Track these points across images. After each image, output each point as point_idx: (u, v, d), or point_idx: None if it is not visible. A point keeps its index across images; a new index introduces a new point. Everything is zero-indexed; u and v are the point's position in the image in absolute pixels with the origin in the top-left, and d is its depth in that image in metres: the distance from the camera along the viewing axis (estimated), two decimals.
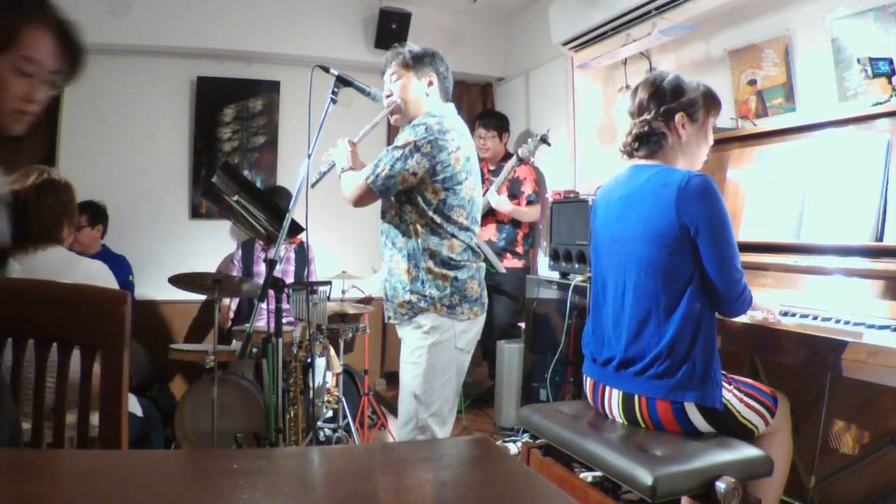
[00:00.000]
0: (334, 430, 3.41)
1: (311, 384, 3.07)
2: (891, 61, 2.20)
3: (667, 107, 1.86)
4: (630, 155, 1.95)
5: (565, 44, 3.84)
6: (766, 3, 2.99)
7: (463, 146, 2.17)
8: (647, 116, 1.88)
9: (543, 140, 3.84)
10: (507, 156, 4.22)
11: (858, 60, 2.30)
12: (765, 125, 2.69)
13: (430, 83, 2.25)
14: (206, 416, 3.04)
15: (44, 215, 1.96)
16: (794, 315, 2.07)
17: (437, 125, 2.11)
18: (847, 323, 1.92)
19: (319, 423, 3.27)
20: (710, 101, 1.92)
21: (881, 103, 2.22)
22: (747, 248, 2.29)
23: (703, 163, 1.97)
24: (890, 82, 2.21)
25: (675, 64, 3.64)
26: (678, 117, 1.86)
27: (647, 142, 1.89)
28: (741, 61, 3.13)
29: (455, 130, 2.16)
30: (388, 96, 2.27)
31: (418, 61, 2.24)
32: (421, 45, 2.29)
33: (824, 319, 1.98)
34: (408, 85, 2.24)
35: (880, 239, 2.02)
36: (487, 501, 0.52)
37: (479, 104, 5.01)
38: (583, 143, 4.21)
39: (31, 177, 1.97)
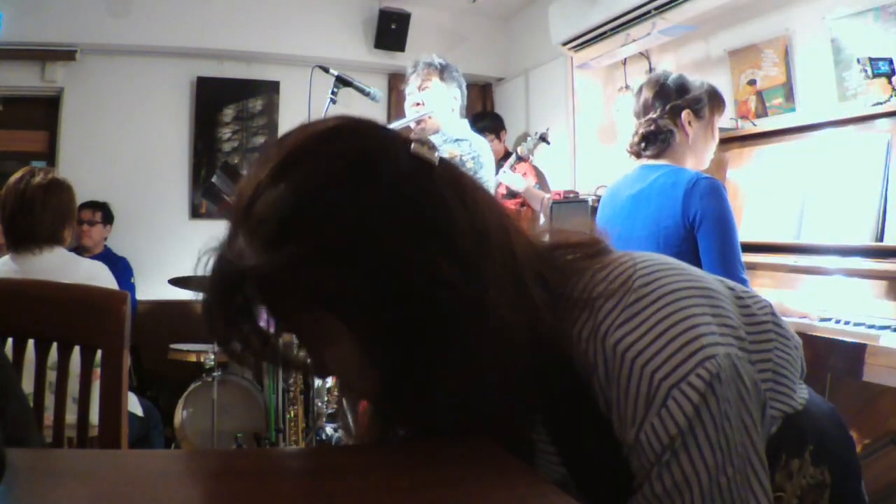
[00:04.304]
0: (335, 430, 3.41)
1: (311, 384, 3.07)
2: (891, 61, 2.20)
3: (673, 104, 1.85)
4: (638, 155, 1.93)
5: (565, 44, 3.84)
6: (766, 3, 2.99)
7: (488, 162, 2.29)
8: (653, 115, 1.87)
9: (542, 139, 3.76)
10: (507, 154, 4.19)
11: (858, 60, 2.30)
12: (764, 125, 2.69)
13: (456, 98, 2.31)
14: (206, 416, 3.04)
15: (48, 216, 1.96)
16: (790, 316, 2.07)
17: (478, 142, 2.20)
18: (847, 323, 1.92)
19: (320, 423, 3.27)
20: (715, 99, 1.91)
21: (881, 103, 2.22)
22: (747, 248, 2.28)
23: (710, 161, 1.96)
24: (890, 82, 2.21)
25: (674, 64, 3.64)
26: (685, 114, 1.85)
27: (654, 141, 1.88)
28: (741, 61, 3.12)
29: (484, 146, 2.27)
30: (416, 104, 2.31)
31: (448, 74, 2.30)
32: (442, 58, 2.36)
33: (823, 320, 1.98)
34: (439, 96, 2.28)
35: (880, 239, 2.02)
36: (488, 502, 0.52)
37: (479, 104, 5.01)
38: (583, 143, 4.21)
39: (38, 177, 1.96)
